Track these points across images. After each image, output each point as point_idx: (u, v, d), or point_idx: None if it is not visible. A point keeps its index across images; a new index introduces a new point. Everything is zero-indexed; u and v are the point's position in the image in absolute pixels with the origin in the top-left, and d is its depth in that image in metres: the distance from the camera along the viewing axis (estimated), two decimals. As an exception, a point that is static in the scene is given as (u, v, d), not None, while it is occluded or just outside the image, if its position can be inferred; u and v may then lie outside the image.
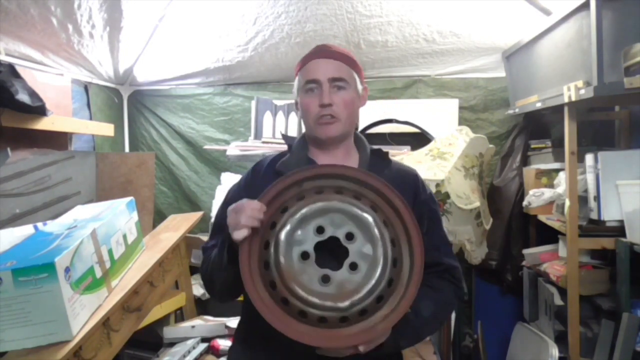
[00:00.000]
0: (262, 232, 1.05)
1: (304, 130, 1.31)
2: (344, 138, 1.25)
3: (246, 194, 1.14)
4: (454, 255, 1.29)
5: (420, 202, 1.23)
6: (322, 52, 1.23)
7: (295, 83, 1.27)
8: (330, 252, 1.05)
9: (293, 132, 2.66)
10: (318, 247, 1.03)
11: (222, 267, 1.11)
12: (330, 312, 1.00)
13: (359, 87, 1.26)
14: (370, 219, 1.04)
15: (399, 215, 1.07)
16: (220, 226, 1.21)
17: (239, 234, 1.00)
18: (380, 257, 1.02)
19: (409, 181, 1.26)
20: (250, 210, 1.00)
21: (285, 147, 1.35)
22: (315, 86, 1.20)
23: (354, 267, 1.01)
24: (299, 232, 1.03)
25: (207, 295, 2.62)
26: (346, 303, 1.00)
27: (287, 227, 1.03)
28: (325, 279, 1.01)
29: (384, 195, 1.08)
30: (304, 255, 1.02)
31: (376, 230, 1.03)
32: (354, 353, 1.03)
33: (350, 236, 1.03)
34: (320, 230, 1.03)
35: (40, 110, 1.86)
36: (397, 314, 1.02)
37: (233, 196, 1.25)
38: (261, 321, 0.99)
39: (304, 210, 1.04)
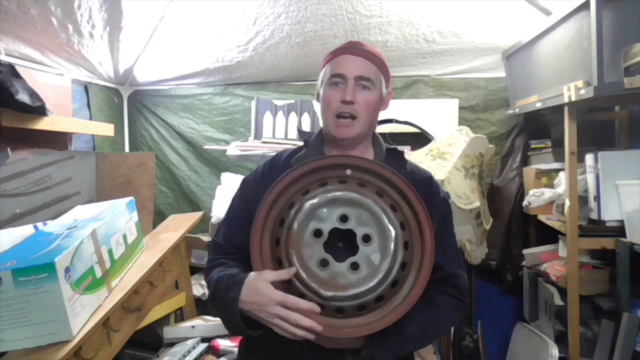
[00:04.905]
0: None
1: (321, 124, 1.28)
2: (361, 139, 1.23)
3: (262, 186, 1.14)
4: (462, 264, 1.25)
5: (432, 205, 1.20)
6: (354, 48, 1.20)
7: (321, 75, 1.24)
8: (335, 242, 1.05)
9: (292, 132, 2.66)
10: (333, 232, 1.03)
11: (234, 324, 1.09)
12: (311, 293, 1.01)
13: (384, 90, 1.23)
14: (393, 232, 1.03)
15: (420, 230, 1.06)
16: (233, 218, 1.24)
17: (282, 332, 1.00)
18: (382, 272, 1.01)
19: (422, 183, 1.23)
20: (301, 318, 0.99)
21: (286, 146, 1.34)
22: (341, 81, 1.18)
23: (355, 267, 1.01)
24: (325, 210, 1.04)
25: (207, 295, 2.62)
26: (329, 294, 1.00)
27: (315, 200, 1.04)
28: (324, 263, 1.01)
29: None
30: (317, 233, 1.03)
31: (392, 246, 1.02)
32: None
33: (367, 238, 1.03)
34: (344, 218, 1.03)
35: (40, 110, 1.86)
36: (368, 329, 1.01)
37: (249, 189, 1.25)
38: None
39: (338, 193, 1.05)
